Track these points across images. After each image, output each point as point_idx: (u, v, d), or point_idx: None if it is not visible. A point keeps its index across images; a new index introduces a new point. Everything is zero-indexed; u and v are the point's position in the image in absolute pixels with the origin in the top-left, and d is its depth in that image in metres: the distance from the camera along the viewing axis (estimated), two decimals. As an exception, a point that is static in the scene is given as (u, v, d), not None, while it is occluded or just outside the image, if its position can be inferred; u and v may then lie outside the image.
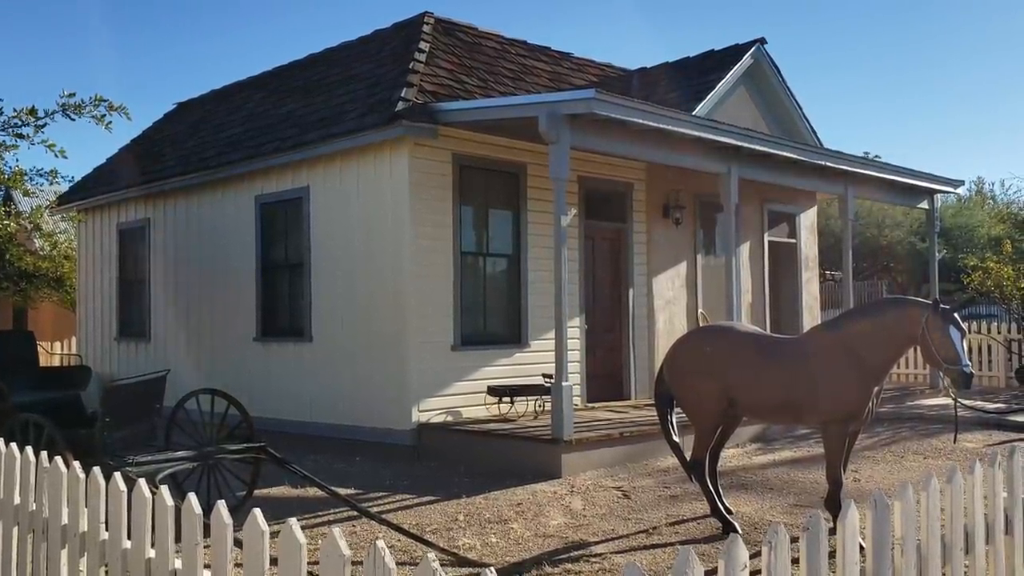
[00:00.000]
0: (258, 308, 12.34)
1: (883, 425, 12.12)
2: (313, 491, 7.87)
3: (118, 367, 14.99)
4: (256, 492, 8.05)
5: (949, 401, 11.30)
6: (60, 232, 22.79)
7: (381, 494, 8.44)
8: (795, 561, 2.71)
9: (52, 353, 20.58)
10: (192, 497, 2.89)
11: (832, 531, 2.85)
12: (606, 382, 12.59)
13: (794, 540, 3.23)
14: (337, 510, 7.55)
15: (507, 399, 10.63)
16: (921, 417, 12.60)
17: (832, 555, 2.76)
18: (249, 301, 12.44)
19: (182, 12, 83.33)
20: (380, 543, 2.21)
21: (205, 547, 2.84)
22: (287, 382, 11.75)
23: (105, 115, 9.54)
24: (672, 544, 6.55)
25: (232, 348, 12.72)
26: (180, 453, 6.95)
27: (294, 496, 8.38)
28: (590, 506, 7.75)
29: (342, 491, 8.26)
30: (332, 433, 10.97)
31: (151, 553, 3.04)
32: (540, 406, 10.71)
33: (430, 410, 10.36)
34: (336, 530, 2.35)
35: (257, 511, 2.64)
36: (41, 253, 21.12)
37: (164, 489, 3.02)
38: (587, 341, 12.21)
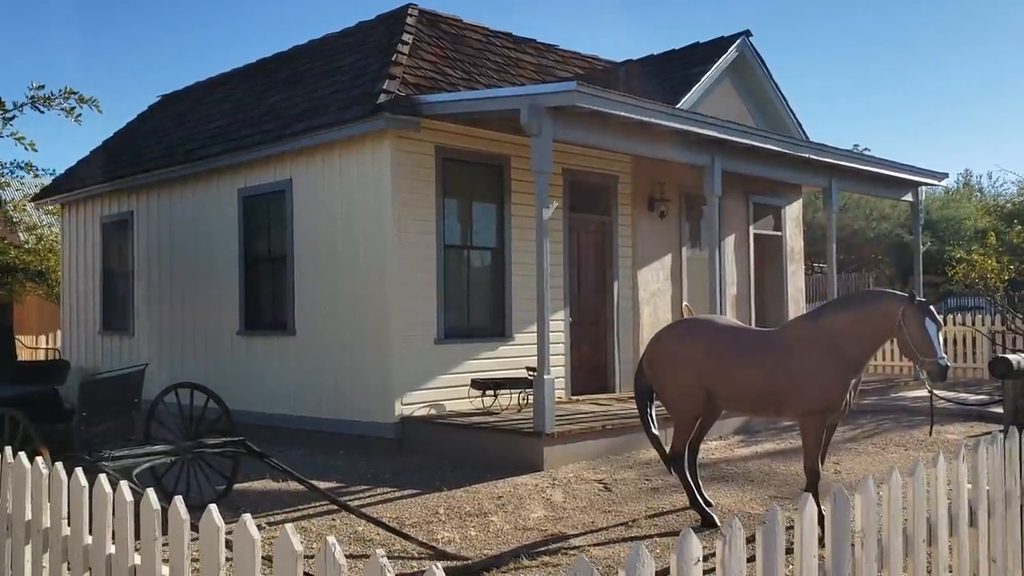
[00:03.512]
0: (241, 302, 12.30)
1: (865, 417, 12.17)
2: (295, 485, 7.85)
3: (102, 361, 14.92)
4: (238, 486, 8.04)
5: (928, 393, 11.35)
6: (45, 225, 22.70)
7: (363, 487, 8.44)
8: (754, 558, 2.71)
9: (37, 348, 20.50)
10: (150, 493, 2.88)
11: (792, 526, 2.85)
12: (591, 375, 12.60)
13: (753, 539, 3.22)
14: (317, 504, 7.54)
15: (491, 392, 10.63)
16: (904, 409, 12.66)
17: (791, 550, 2.77)
18: (232, 295, 12.40)
19: (168, 3, 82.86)
20: (331, 539, 2.21)
21: (164, 544, 2.83)
22: (271, 376, 11.72)
23: (75, 107, 9.46)
24: (651, 536, 6.57)
25: (216, 342, 12.69)
26: (158, 447, 6.93)
27: (275, 489, 8.36)
28: (571, 499, 7.77)
29: (324, 484, 8.27)
30: (316, 426, 10.96)
31: (112, 549, 3.03)
32: (524, 399, 10.71)
33: (413, 403, 10.34)
34: (289, 527, 2.34)
35: (213, 507, 2.63)
36: (26, 247, 21.03)
37: (123, 485, 3.00)
38: (572, 334, 12.21)
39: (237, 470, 7.69)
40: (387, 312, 10.33)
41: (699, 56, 14.47)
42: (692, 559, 2.20)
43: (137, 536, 2.99)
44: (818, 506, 4.40)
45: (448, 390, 10.65)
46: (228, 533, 2.64)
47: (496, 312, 11.41)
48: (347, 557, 6.15)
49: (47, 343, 20.77)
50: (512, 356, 11.30)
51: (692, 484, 6.98)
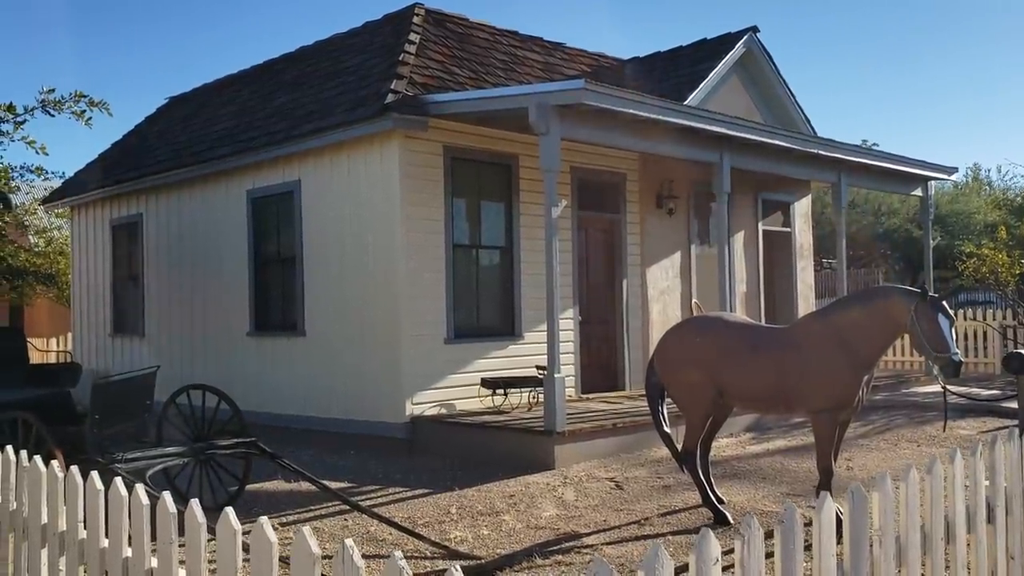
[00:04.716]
0: (251, 303, 12.32)
1: (877, 412, 12.12)
2: (307, 485, 7.86)
3: (113, 363, 14.98)
4: (250, 487, 8.06)
5: (941, 389, 11.30)
6: (55, 228, 22.78)
7: (374, 487, 8.44)
8: (771, 555, 2.70)
9: (48, 350, 20.57)
10: (167, 496, 2.88)
11: (809, 523, 2.83)
12: (600, 373, 12.58)
13: (771, 535, 3.20)
14: (329, 504, 7.55)
15: (501, 391, 10.62)
16: (915, 404, 12.60)
17: (809, 547, 2.75)
18: (242, 296, 12.42)
19: (175, 5, 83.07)
20: (349, 542, 2.20)
21: (180, 546, 2.83)
22: (281, 376, 11.74)
23: (86, 111, 9.48)
24: (663, 535, 6.56)
25: (226, 343, 12.71)
26: (170, 449, 6.95)
27: (287, 490, 8.37)
28: (582, 497, 7.76)
29: (336, 485, 8.28)
30: (326, 427, 10.97)
31: (128, 552, 3.03)
32: (534, 398, 10.69)
33: (424, 403, 10.34)
34: (305, 529, 2.34)
35: (229, 510, 2.63)
36: (36, 250, 21.11)
37: (139, 488, 3.01)
38: (581, 332, 12.19)
39: (249, 471, 7.70)
40: (396, 312, 10.33)
41: (706, 52, 14.42)
42: (711, 559, 2.19)
43: (153, 538, 2.99)
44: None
45: (458, 389, 10.65)
46: (244, 535, 2.64)
47: (505, 311, 11.40)
48: (361, 557, 6.16)
49: (58, 346, 20.84)
50: (522, 355, 11.29)
51: (704, 482, 6.97)
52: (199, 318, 13.32)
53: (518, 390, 10.75)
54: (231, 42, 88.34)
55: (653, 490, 8.01)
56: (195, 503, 2.74)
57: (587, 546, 6.29)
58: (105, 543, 3.14)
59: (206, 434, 7.44)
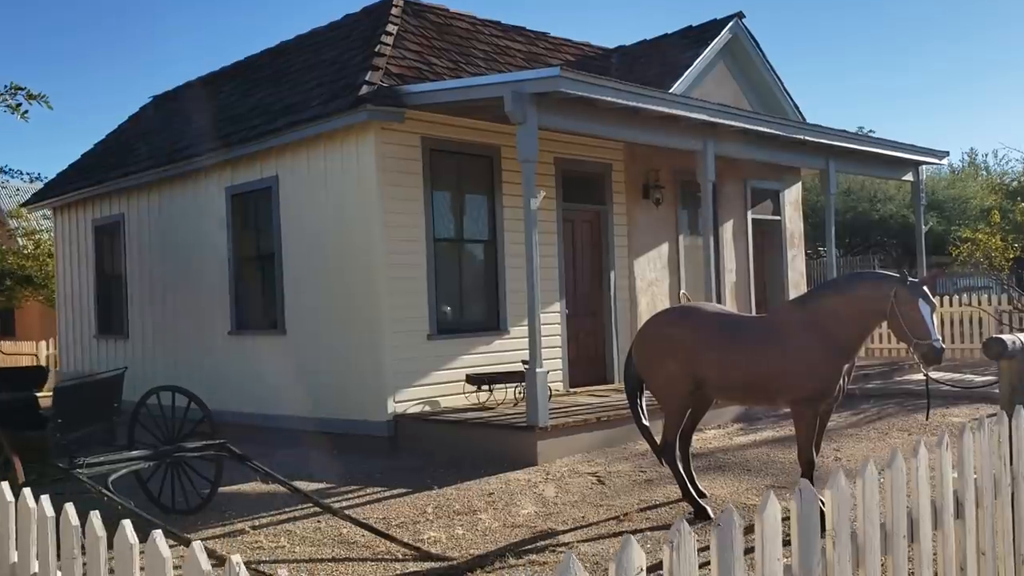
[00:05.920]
0: (232, 301, 12.15)
1: (869, 401, 11.94)
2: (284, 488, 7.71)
3: (98, 365, 14.82)
4: (227, 489, 7.92)
5: (935, 376, 11.10)
6: (44, 230, 22.66)
7: (353, 487, 8.29)
8: (706, 564, 2.51)
9: (33, 354, 20.44)
10: (69, 508, 2.72)
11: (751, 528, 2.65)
12: (589, 367, 12.40)
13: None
14: (304, 506, 7.37)
15: (486, 387, 10.45)
16: (907, 393, 12.41)
17: (751, 551, 2.57)
18: (223, 294, 12.25)
19: (171, 8, 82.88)
20: (235, 558, 2.04)
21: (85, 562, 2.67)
22: (263, 375, 11.56)
23: (22, 103, 9.29)
24: (642, 530, 6.40)
25: (208, 342, 12.55)
26: (135, 452, 6.80)
27: (263, 492, 8.21)
28: (563, 493, 7.59)
29: (315, 485, 8.16)
30: (309, 426, 10.79)
31: (35, 567, 2.87)
32: (520, 393, 10.52)
33: (407, 400, 10.17)
34: (197, 544, 2.17)
35: (126, 523, 2.46)
36: (24, 252, 20.99)
37: (44, 500, 2.84)
38: (568, 326, 12.01)
39: (220, 474, 7.54)
40: (377, 308, 10.15)
41: (691, 40, 14.23)
42: (633, 569, 2.02)
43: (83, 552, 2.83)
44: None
45: (442, 386, 10.48)
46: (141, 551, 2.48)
47: (490, 305, 11.22)
48: (330, 560, 5.99)
49: (47, 349, 20.70)
50: (508, 350, 11.12)
51: (684, 475, 6.80)
52: (181, 318, 13.15)
53: (503, 385, 10.57)
54: (221, 39, 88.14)
55: (635, 485, 7.84)
56: (95, 516, 2.58)
57: (562, 544, 6.13)
58: (15, 557, 2.98)
59: (176, 436, 7.29)
